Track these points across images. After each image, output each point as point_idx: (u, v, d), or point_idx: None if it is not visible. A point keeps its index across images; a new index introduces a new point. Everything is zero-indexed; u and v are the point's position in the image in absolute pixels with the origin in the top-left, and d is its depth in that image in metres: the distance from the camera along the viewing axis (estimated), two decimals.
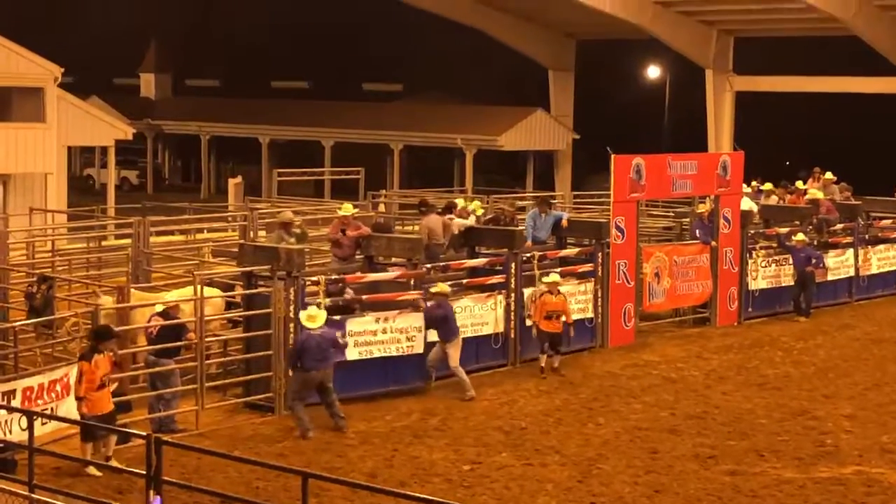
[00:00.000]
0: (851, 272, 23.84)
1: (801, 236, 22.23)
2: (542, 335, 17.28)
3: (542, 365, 17.23)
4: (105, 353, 12.62)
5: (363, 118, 42.58)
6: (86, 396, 12.40)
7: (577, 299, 18.89)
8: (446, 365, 16.14)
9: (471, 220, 19.58)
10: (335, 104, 44.69)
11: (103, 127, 33.46)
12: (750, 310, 21.74)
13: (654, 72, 42.83)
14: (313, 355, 14.14)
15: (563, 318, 17.38)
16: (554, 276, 17.59)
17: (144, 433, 10.25)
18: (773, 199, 24.57)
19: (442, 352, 16.18)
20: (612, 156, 19.59)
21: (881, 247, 24.52)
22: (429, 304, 16.18)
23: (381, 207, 24.43)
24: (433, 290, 16.28)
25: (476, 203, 21.59)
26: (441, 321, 16.08)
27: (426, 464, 13.09)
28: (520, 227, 19.39)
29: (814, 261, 22.12)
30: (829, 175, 25.74)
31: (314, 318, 14.31)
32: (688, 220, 23.25)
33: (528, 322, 17.53)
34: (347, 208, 18.11)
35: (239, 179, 36.99)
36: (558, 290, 17.47)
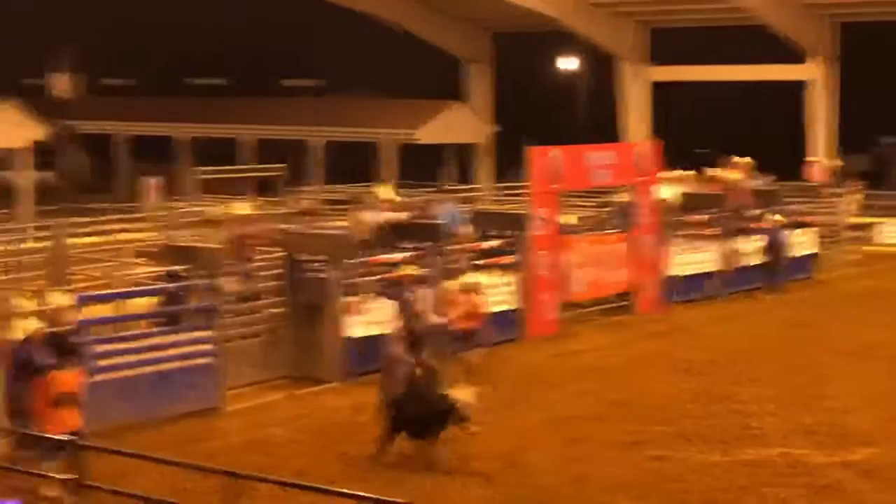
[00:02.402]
0: (767, 257, 24.20)
1: (777, 217, 22.73)
2: (459, 335, 16.49)
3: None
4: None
5: (282, 114, 42.33)
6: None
7: (500, 290, 18.98)
8: None
9: (403, 215, 19.61)
10: (254, 101, 44.38)
11: (16, 128, 32.86)
12: (670, 296, 22.02)
13: (571, 63, 43.09)
14: None
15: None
16: (470, 277, 17.27)
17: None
18: (694, 187, 24.89)
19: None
20: (530, 148, 19.74)
21: (798, 231, 24.95)
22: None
23: (303, 203, 24.33)
24: (400, 272, 16.64)
25: (386, 188, 21.71)
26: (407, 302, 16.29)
27: (357, 460, 13.05)
28: (442, 222, 19.42)
29: (779, 238, 22.98)
30: (745, 161, 26.12)
31: None
32: (608, 209, 23.50)
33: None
34: (244, 207, 18.20)
35: (157, 179, 36.55)
36: (477, 290, 16.87)
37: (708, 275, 22.94)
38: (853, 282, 25.13)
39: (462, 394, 12.75)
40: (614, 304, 21.35)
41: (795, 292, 23.50)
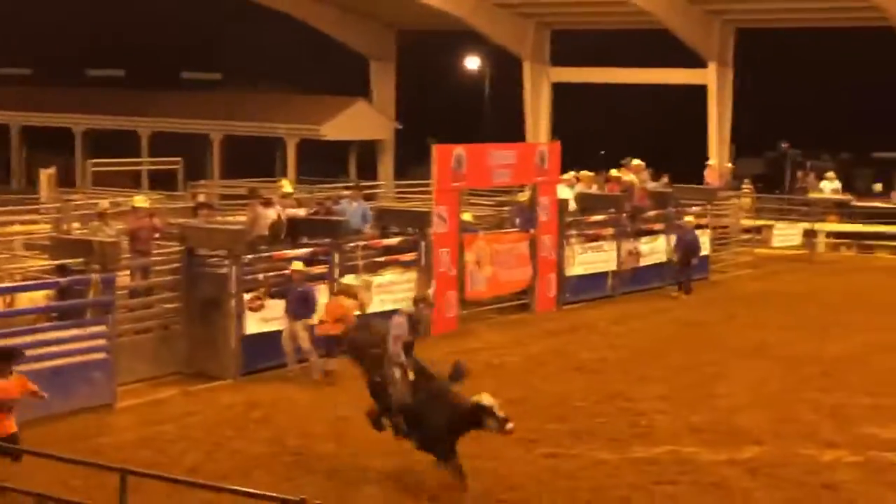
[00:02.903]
0: (663, 258, 24.63)
1: (689, 218, 23.48)
2: (331, 340, 16.02)
3: (318, 376, 16.28)
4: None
5: (182, 107, 41.85)
6: None
7: (401, 288, 19.02)
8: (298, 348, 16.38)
9: (301, 211, 19.54)
10: (152, 93, 43.78)
11: None
12: (568, 296, 22.28)
13: (474, 62, 43.29)
14: None
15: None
16: (352, 279, 17.30)
17: None
18: (595, 188, 25.20)
19: (293, 332, 16.30)
20: (433, 146, 19.80)
21: (696, 232, 25.37)
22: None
23: (201, 198, 24.07)
24: (292, 268, 16.66)
25: (285, 181, 21.67)
26: (300, 299, 16.33)
27: (248, 457, 12.99)
28: (345, 218, 19.40)
29: (689, 238, 23.65)
30: (637, 161, 26.47)
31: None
32: (508, 208, 23.68)
33: (317, 325, 16.37)
34: (140, 200, 18.06)
35: (51, 170, 35.85)
36: (355, 294, 16.76)
37: (605, 275, 23.27)
38: (746, 283, 25.67)
39: (486, 397, 11.90)
40: (513, 303, 21.53)
41: (691, 293, 23.89)
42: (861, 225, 31.11)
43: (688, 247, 23.83)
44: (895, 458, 13.14)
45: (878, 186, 33.32)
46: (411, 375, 12.25)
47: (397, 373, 12.21)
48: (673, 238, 24.19)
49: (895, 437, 13.94)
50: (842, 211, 31.79)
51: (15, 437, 11.68)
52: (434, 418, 11.88)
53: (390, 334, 12.25)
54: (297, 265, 16.81)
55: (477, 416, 11.71)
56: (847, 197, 32.66)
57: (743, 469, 12.59)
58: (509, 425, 11.66)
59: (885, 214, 31.17)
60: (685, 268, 23.83)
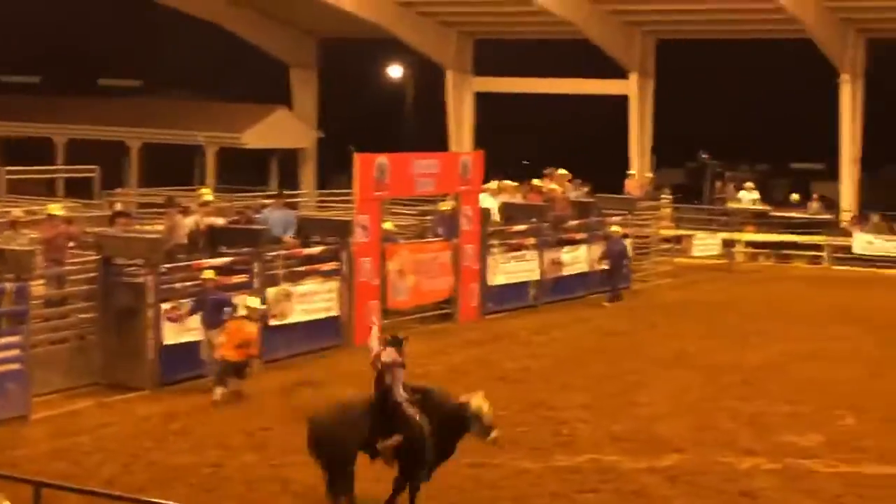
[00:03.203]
0: (585, 267, 24.75)
1: (616, 228, 24.03)
2: (227, 365, 15.58)
3: (217, 398, 15.44)
4: None
5: (99, 114, 41.19)
6: None
7: (323, 297, 18.89)
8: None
9: (220, 220, 19.31)
10: (68, 100, 43.04)
11: None
12: (490, 305, 22.28)
13: (397, 71, 43.23)
14: None
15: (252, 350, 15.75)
16: (253, 301, 16.40)
17: None
18: (517, 198, 25.26)
19: (210, 342, 16.09)
20: (355, 155, 19.70)
21: (625, 242, 25.54)
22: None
23: (118, 206, 23.70)
24: (203, 276, 16.47)
25: (204, 189, 21.44)
26: (214, 307, 16.17)
27: (166, 468, 12.77)
28: (263, 227, 19.20)
29: (618, 248, 24.04)
30: (564, 172, 26.64)
31: None
32: (430, 217, 23.63)
33: (212, 351, 15.80)
34: (55, 208, 17.80)
35: None
36: (256, 317, 16.10)
37: (527, 284, 23.31)
38: (666, 293, 25.88)
39: (476, 399, 11.41)
40: (436, 312, 21.48)
41: (620, 301, 24.04)
42: (779, 235, 31.56)
43: (617, 256, 24.05)
44: (812, 465, 13.30)
45: (796, 197, 33.80)
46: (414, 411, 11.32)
47: (414, 413, 11.34)
48: (601, 247, 24.37)
49: (813, 444, 14.11)
50: (760, 221, 32.20)
51: None
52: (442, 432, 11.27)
53: (392, 379, 11.47)
54: (209, 273, 16.59)
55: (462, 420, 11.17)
56: (765, 207, 33.10)
57: (663, 477, 12.65)
58: (495, 433, 11.22)
59: (803, 224, 31.65)
60: (614, 277, 24.04)
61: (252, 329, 15.70)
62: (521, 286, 23.17)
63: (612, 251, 24.04)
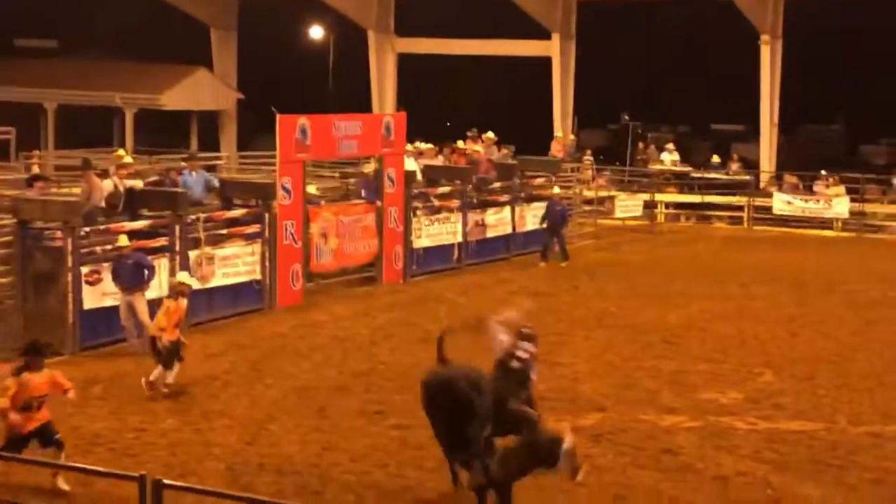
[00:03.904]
0: (509, 229, 24.84)
1: (556, 189, 24.31)
2: (173, 346, 14.31)
3: (153, 379, 14.17)
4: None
5: (14, 75, 40.30)
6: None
7: (245, 261, 18.74)
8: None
9: (139, 182, 19.00)
10: None
11: None
12: (414, 267, 22.28)
13: (318, 32, 42.86)
14: None
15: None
16: (184, 276, 15.47)
17: None
18: (440, 160, 25.22)
19: (129, 305, 15.91)
20: (277, 116, 19.49)
21: (535, 204, 25.66)
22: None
23: (35, 168, 23.28)
24: (118, 244, 16.19)
25: (121, 151, 21.12)
26: (131, 270, 15.99)
27: (88, 434, 12.62)
28: (183, 189, 18.96)
29: (559, 209, 24.26)
30: (489, 135, 26.68)
31: None
32: (354, 180, 23.52)
33: (156, 333, 14.46)
34: None
35: None
36: (188, 292, 14.93)
37: (451, 246, 23.34)
38: (589, 254, 26.06)
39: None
40: (360, 275, 21.42)
41: (534, 264, 24.16)
42: (699, 196, 31.92)
43: (557, 217, 24.20)
44: (732, 422, 13.50)
45: (716, 158, 34.21)
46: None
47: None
48: (542, 209, 24.60)
49: (732, 402, 14.32)
50: (681, 182, 32.56)
51: (48, 427, 11.07)
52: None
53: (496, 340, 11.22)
54: (123, 240, 16.25)
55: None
56: (686, 168, 33.47)
57: (586, 435, 12.75)
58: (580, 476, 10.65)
59: (723, 185, 32.05)
60: (554, 237, 24.22)
61: (184, 306, 14.73)
62: (445, 248, 23.19)
63: (552, 212, 24.18)
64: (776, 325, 18.77)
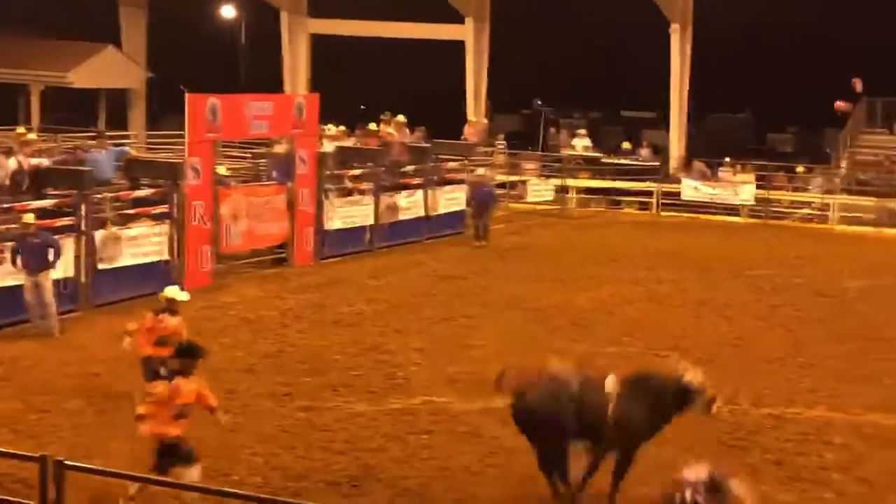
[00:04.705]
0: (421, 212, 24.85)
1: (482, 171, 25.06)
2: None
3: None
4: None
5: None
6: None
7: (153, 241, 18.51)
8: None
9: (45, 161, 18.67)
10: None
11: None
12: (326, 250, 22.18)
13: (230, 11, 42.39)
14: None
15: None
16: (174, 291, 13.14)
17: None
18: (351, 141, 25.13)
19: (35, 285, 15.64)
20: (187, 95, 19.26)
21: (448, 188, 25.71)
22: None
23: None
24: (23, 220, 15.91)
25: (23, 128, 20.76)
26: (36, 250, 15.67)
27: None
28: (90, 167, 18.65)
29: (486, 190, 24.79)
30: (400, 118, 26.63)
31: None
32: (264, 161, 23.35)
33: (127, 344, 12.90)
34: None
35: None
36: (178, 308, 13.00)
37: (363, 229, 23.27)
38: (501, 237, 26.14)
39: (692, 372, 10.80)
40: (271, 257, 21.28)
41: (448, 247, 24.23)
42: (610, 181, 32.21)
43: (484, 198, 24.33)
44: None
45: (627, 144, 34.54)
46: None
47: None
48: (468, 190, 24.88)
49: None
50: (592, 167, 32.82)
51: (176, 444, 10.20)
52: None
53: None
54: (28, 217, 16.00)
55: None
56: (597, 154, 33.74)
57: (495, 418, 12.80)
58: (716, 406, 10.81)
59: (633, 171, 32.38)
60: (481, 218, 24.54)
61: (175, 323, 12.74)
62: (358, 231, 23.11)
63: (479, 194, 24.39)
64: (682, 309, 19.05)
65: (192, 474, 10.07)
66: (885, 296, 20.58)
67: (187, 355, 10.45)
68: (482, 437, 12.38)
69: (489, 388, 13.99)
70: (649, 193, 31.52)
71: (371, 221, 23.45)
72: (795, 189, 32.00)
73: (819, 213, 30.54)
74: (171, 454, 10.20)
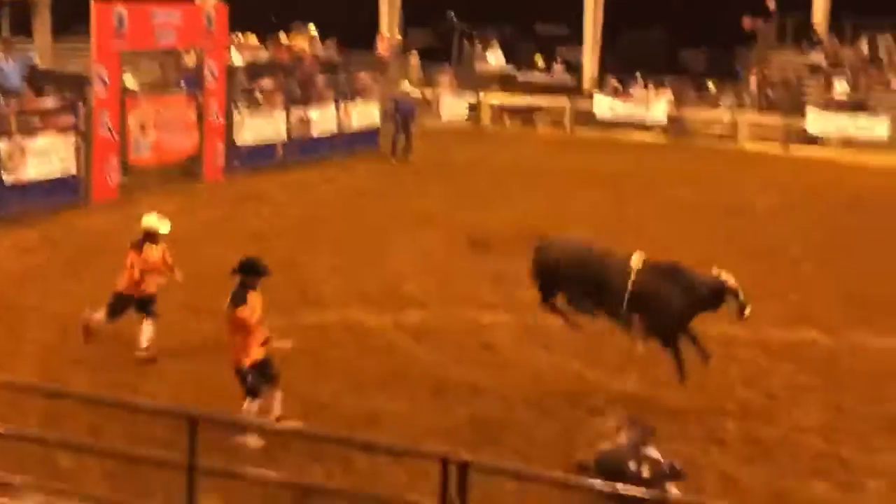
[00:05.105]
0: (334, 127, 24.63)
1: (406, 86, 24.78)
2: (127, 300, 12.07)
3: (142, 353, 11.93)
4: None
5: None
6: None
7: (59, 154, 18.12)
8: None
9: None
10: None
11: None
12: (237, 164, 21.91)
13: None
14: None
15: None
16: (151, 220, 12.46)
17: None
18: (262, 53, 24.73)
19: None
20: (93, 3, 18.77)
21: (361, 102, 25.49)
22: None
23: None
24: None
25: None
26: None
27: None
28: None
29: (407, 105, 24.81)
30: (312, 29, 26.24)
31: None
32: (174, 72, 22.88)
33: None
34: None
35: None
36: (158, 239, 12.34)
37: (275, 143, 23.01)
38: (415, 153, 26.04)
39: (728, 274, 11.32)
40: (180, 171, 20.96)
41: (361, 162, 24.07)
42: (524, 98, 32.16)
43: (406, 113, 24.37)
44: (547, 319, 13.78)
45: (540, 61, 34.44)
46: None
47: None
48: (390, 105, 24.89)
49: None
50: (506, 84, 32.71)
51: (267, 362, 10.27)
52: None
53: None
54: None
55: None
56: (511, 70, 33.61)
57: (408, 332, 12.88)
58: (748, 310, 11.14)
59: (547, 88, 32.34)
60: (404, 134, 24.46)
61: (155, 254, 12.26)
62: (269, 145, 22.84)
63: (401, 109, 24.31)
64: (594, 227, 19.14)
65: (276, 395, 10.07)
66: (792, 214, 20.95)
67: (251, 271, 10.30)
68: (396, 352, 12.42)
69: (402, 303, 14.11)
70: (562, 111, 31.55)
71: (283, 136, 23.19)
72: (707, 107, 32.25)
73: (729, 131, 30.86)
74: (261, 373, 10.11)
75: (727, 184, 23.78)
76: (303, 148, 23.63)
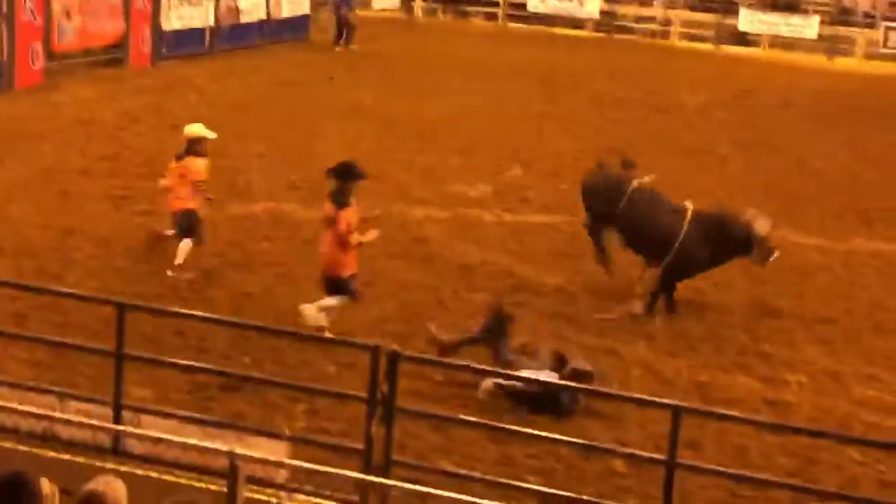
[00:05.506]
0: (263, 14, 24.19)
1: None
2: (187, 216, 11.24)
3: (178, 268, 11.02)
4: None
5: None
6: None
7: None
8: None
9: None
10: None
11: None
12: (164, 51, 21.48)
13: None
14: None
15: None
16: (197, 128, 11.45)
17: None
18: None
19: None
20: None
21: None
22: None
23: None
24: None
25: None
26: None
27: None
28: None
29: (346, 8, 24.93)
30: None
31: None
32: None
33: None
34: None
35: None
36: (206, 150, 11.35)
37: (203, 30, 22.56)
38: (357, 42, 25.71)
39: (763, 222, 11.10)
40: (105, 56, 20.50)
41: (290, 52, 23.71)
42: None
43: (342, 5, 24.32)
44: (480, 214, 13.82)
45: None
46: None
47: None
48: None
49: (481, 195, 14.63)
50: None
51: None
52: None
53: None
54: None
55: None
56: None
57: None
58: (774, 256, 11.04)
59: None
60: (346, 22, 24.64)
61: (201, 166, 11.29)
62: (197, 32, 22.39)
63: (337, 5, 24.32)
64: (526, 121, 19.15)
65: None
66: (720, 111, 21.08)
67: (346, 176, 9.68)
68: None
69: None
70: (495, 4, 31.26)
71: (210, 23, 22.74)
72: (641, 3, 32.14)
73: (662, 28, 30.83)
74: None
75: (658, 81, 23.83)
76: (231, 36, 23.23)
